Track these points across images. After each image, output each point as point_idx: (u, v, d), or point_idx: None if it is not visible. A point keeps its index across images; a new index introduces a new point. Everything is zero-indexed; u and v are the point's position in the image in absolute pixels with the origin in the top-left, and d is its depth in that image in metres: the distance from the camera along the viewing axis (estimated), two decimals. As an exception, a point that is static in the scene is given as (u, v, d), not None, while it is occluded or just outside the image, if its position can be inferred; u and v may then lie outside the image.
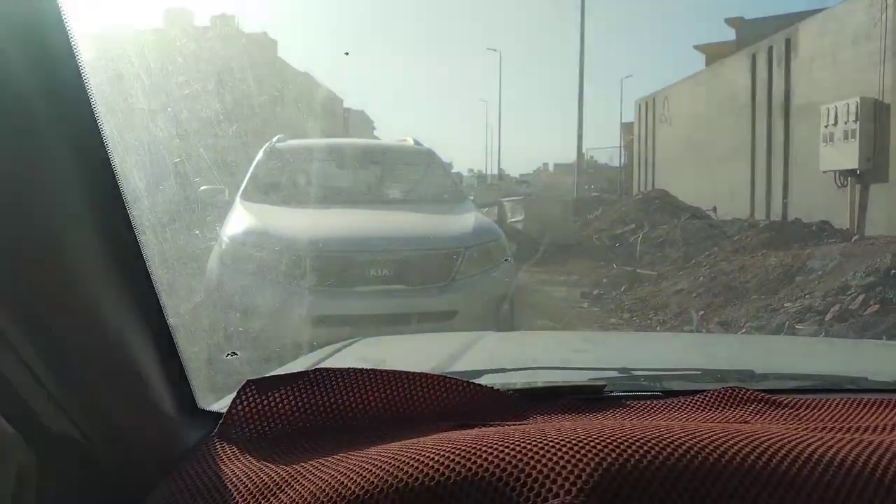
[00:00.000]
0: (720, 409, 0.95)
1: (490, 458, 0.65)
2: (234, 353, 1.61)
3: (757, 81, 16.25)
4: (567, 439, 0.65)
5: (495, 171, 53.77)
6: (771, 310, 7.11)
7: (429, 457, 0.66)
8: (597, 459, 0.63)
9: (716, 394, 0.98)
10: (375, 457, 0.70)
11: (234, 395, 0.88)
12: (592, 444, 0.65)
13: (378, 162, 6.55)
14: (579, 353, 1.68)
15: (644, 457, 0.64)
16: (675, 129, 21.50)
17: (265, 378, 0.87)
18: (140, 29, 8.00)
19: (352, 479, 0.67)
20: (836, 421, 0.89)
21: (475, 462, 0.65)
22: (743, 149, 16.57)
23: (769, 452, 0.66)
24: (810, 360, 1.67)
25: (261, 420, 0.85)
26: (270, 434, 0.85)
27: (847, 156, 12.19)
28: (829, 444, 0.69)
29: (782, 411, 0.93)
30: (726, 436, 0.69)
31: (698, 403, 0.97)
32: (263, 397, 0.85)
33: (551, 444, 0.64)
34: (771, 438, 0.69)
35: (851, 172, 12.32)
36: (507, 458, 0.64)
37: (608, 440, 0.65)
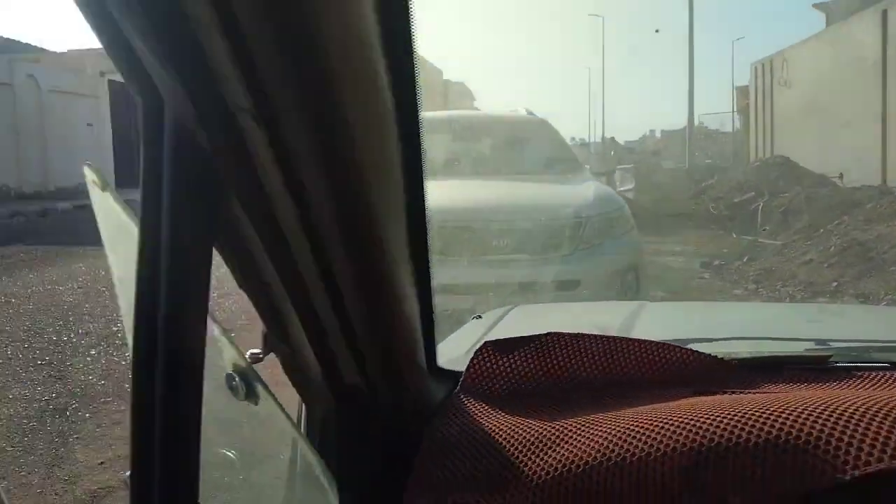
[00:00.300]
0: None
1: (777, 424, 0.63)
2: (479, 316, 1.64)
3: (889, 38, 15.10)
4: (866, 406, 0.62)
5: (598, 140, 52.50)
6: (913, 282, 6.68)
7: (709, 421, 0.65)
8: None
9: None
10: (646, 419, 0.69)
11: (465, 355, 0.90)
12: (886, 411, 0.62)
13: (493, 133, 6.53)
14: (777, 323, 1.62)
15: None
16: (796, 91, 20.31)
17: (501, 340, 0.88)
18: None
19: (636, 437, 0.66)
20: None
21: (760, 428, 0.63)
22: (871, 112, 15.48)
23: None
24: None
25: (499, 379, 0.86)
26: (506, 393, 0.86)
27: None
28: None
29: None
30: None
31: None
32: (502, 357, 0.87)
33: (852, 410, 0.62)
34: None
35: None
36: (797, 426, 0.62)
37: None
